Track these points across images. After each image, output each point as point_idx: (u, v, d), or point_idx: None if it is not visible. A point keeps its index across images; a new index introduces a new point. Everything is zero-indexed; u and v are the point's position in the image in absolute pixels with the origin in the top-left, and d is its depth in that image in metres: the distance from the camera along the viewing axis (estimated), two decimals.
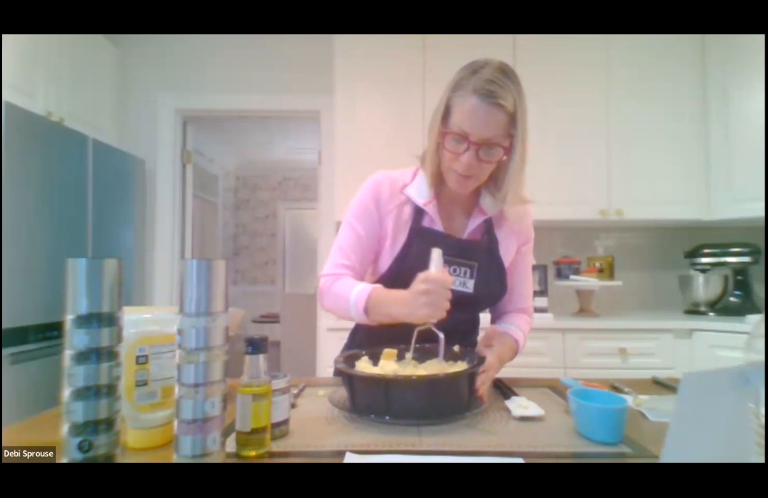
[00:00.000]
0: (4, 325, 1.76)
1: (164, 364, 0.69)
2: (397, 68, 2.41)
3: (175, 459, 0.55)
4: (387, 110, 2.42)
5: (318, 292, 1.02)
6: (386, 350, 0.91)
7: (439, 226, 1.00)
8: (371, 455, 0.65)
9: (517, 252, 1.07)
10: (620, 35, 2.35)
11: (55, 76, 2.20)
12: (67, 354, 0.51)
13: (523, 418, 0.80)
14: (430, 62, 2.39)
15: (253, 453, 0.64)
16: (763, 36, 2.02)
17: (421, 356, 0.91)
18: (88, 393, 0.51)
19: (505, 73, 0.87)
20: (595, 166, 2.39)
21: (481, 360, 0.85)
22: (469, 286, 0.99)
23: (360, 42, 2.42)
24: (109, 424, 0.52)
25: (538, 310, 1.92)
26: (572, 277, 2.40)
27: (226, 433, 0.60)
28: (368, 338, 1.02)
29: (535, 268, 2.13)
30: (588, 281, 2.38)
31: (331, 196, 2.58)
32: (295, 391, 0.93)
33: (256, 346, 0.66)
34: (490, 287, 1.01)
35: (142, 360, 0.67)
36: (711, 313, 2.30)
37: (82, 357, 0.51)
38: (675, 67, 2.39)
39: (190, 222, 3.03)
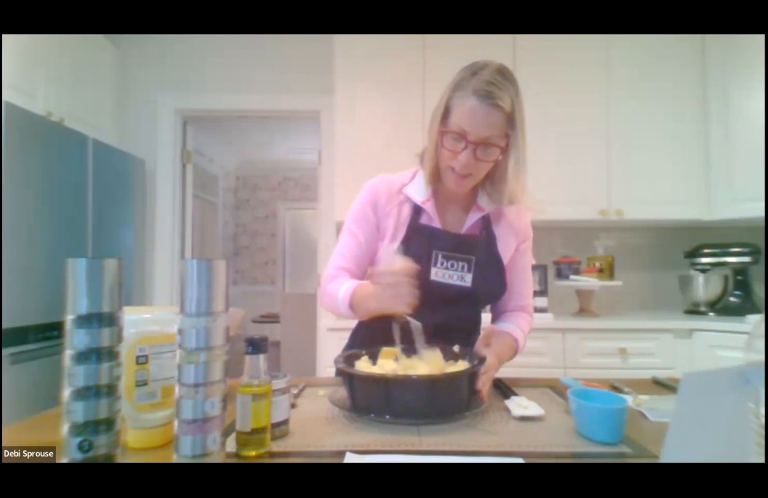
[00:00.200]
0: (4, 325, 1.76)
1: (164, 364, 0.69)
2: (397, 68, 2.41)
3: (175, 459, 0.55)
4: (387, 110, 2.42)
5: (319, 293, 1.04)
6: (384, 349, 0.92)
7: (436, 223, 1.02)
8: (371, 455, 0.65)
9: (516, 250, 1.08)
10: (620, 35, 2.35)
11: (55, 76, 2.19)
12: (68, 354, 0.51)
13: (523, 418, 0.80)
14: (430, 62, 2.39)
15: (253, 453, 0.64)
16: (763, 36, 2.02)
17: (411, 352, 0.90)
18: (88, 393, 0.51)
19: (504, 74, 0.89)
20: (595, 166, 2.39)
21: (482, 360, 0.85)
22: (467, 280, 1.00)
23: (360, 42, 2.41)
24: (109, 424, 0.52)
25: (538, 310, 1.92)
26: (572, 277, 2.40)
27: (226, 433, 0.60)
28: (369, 337, 1.03)
29: (535, 268, 2.13)
30: (588, 281, 2.38)
31: (331, 196, 2.58)
32: (295, 391, 0.94)
33: (256, 346, 0.66)
34: (489, 282, 1.02)
35: (142, 360, 0.67)
36: (711, 313, 2.30)
37: (82, 357, 0.51)
38: (675, 67, 2.38)
39: (190, 222, 3.03)
